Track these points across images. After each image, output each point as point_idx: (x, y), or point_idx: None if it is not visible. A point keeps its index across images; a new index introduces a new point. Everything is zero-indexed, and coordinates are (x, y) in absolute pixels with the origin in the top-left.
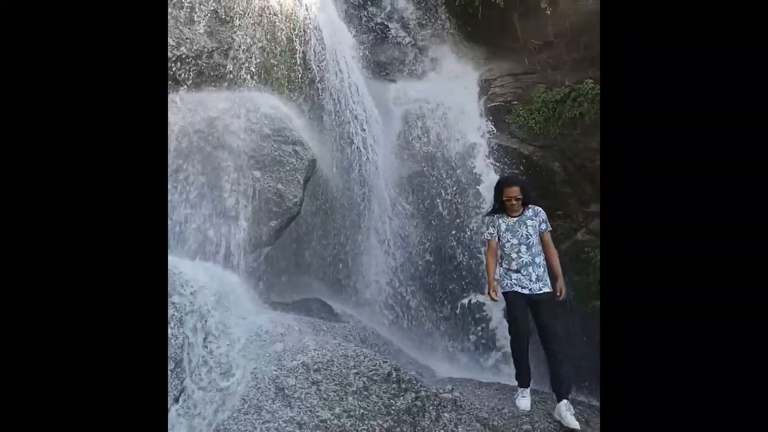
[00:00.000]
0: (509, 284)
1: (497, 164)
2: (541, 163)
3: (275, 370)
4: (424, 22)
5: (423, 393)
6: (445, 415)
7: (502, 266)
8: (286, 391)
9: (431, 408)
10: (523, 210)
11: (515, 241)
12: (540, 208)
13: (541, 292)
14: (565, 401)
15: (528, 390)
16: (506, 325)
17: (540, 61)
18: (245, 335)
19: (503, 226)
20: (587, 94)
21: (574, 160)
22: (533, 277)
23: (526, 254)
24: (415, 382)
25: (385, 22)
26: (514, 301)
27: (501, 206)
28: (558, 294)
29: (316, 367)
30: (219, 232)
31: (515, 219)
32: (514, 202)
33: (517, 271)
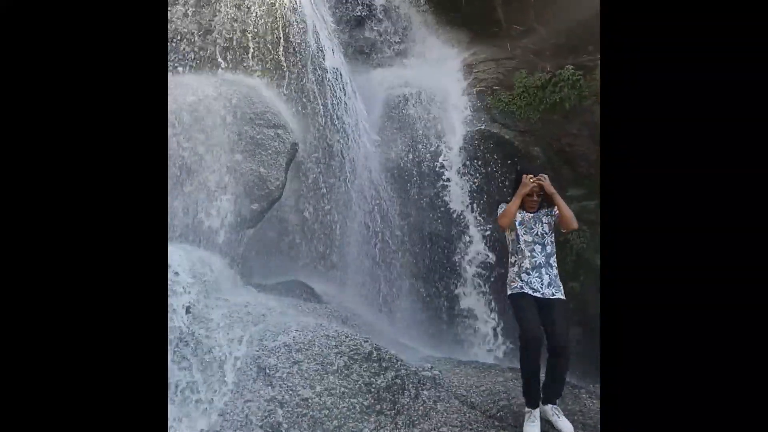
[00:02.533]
0: (519, 285)
1: (479, 149)
2: (521, 148)
3: (257, 351)
4: (406, 6)
5: (403, 371)
6: (424, 392)
7: (512, 265)
8: (268, 370)
9: (411, 386)
10: (541, 204)
11: (529, 239)
12: (555, 209)
13: (553, 297)
14: (551, 405)
15: (538, 412)
16: (486, 310)
17: (522, 47)
18: (227, 317)
19: (518, 219)
20: (568, 80)
21: (554, 145)
22: (545, 281)
23: (540, 254)
24: (395, 360)
25: (368, 6)
26: (524, 303)
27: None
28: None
29: (297, 347)
30: (200, 215)
31: (531, 215)
32: (535, 198)
33: (529, 272)
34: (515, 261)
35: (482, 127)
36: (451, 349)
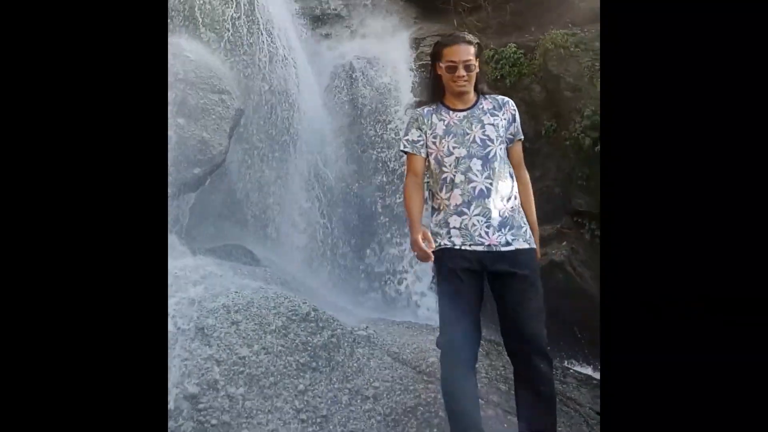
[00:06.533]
0: (446, 237)
1: None
2: None
3: (195, 312)
4: None
5: (339, 331)
6: (359, 350)
7: (436, 211)
8: (206, 330)
9: (346, 344)
10: (478, 98)
11: (462, 152)
12: (507, 98)
13: (509, 248)
14: None
15: None
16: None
17: (468, 24)
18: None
19: (440, 126)
20: (509, 58)
21: None
22: (495, 220)
23: (480, 177)
24: (332, 321)
25: None
26: (451, 271)
27: (437, 89)
28: None
29: (236, 308)
30: None
31: (463, 113)
32: (463, 73)
33: (463, 210)
34: (440, 200)
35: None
36: (386, 309)
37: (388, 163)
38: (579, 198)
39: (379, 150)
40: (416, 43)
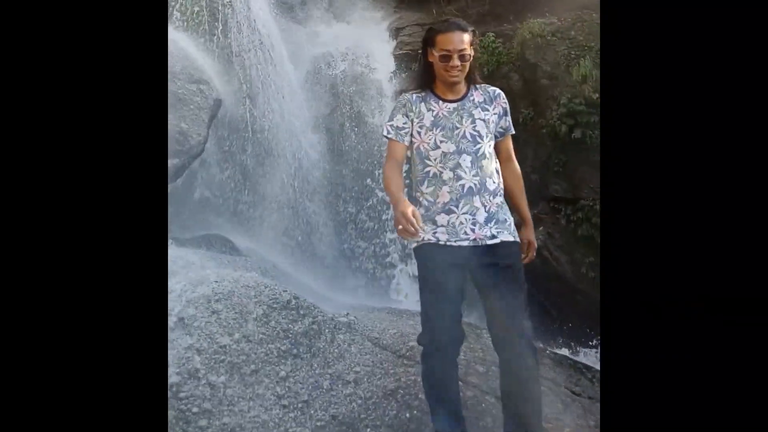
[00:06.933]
0: (430, 232)
1: None
2: None
3: (175, 302)
4: None
5: (320, 318)
6: (340, 336)
7: (419, 208)
8: (186, 320)
9: (327, 331)
10: (468, 88)
11: (450, 148)
12: (499, 90)
13: (495, 241)
14: None
15: None
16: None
17: (447, 13)
18: None
19: (428, 116)
20: (488, 47)
21: None
22: (481, 216)
23: (469, 174)
24: (312, 308)
25: None
26: (435, 266)
27: (428, 76)
28: (523, 253)
29: (216, 297)
30: None
31: (453, 104)
32: (457, 63)
33: (451, 208)
34: (420, 194)
35: (406, 89)
36: (367, 296)
37: (369, 151)
38: (555, 184)
39: (359, 138)
40: (396, 32)
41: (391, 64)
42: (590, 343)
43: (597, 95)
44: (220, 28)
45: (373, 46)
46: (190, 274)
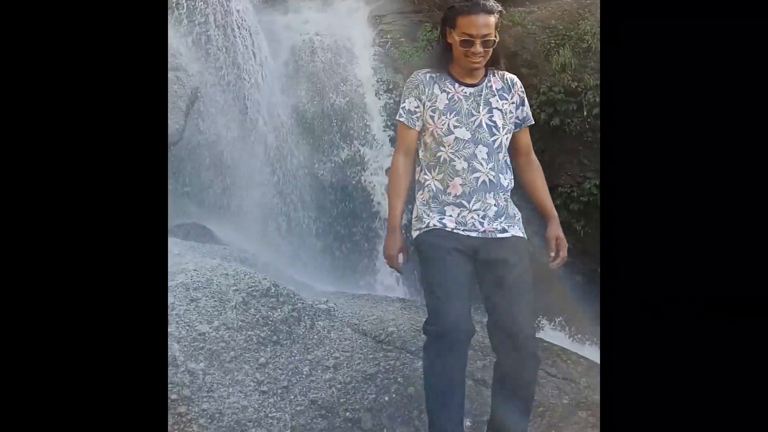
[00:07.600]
0: (437, 218)
1: (383, 96)
2: None
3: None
4: None
5: (299, 305)
6: (319, 323)
7: (422, 190)
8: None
9: (306, 318)
10: (486, 72)
11: (466, 135)
12: (515, 77)
13: (506, 234)
14: None
15: None
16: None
17: (428, 1)
18: None
19: (441, 98)
20: None
21: None
22: (491, 211)
23: (486, 167)
24: (292, 295)
25: None
26: (441, 250)
27: (444, 58)
28: (552, 255)
29: (195, 286)
30: None
31: (470, 89)
32: (480, 50)
33: (463, 201)
34: (429, 179)
35: (386, 78)
36: (346, 283)
37: (347, 139)
38: None
39: (339, 126)
40: (377, 20)
41: (371, 52)
42: (556, 326)
43: (576, 84)
44: (197, 14)
45: (353, 35)
46: (168, 263)
